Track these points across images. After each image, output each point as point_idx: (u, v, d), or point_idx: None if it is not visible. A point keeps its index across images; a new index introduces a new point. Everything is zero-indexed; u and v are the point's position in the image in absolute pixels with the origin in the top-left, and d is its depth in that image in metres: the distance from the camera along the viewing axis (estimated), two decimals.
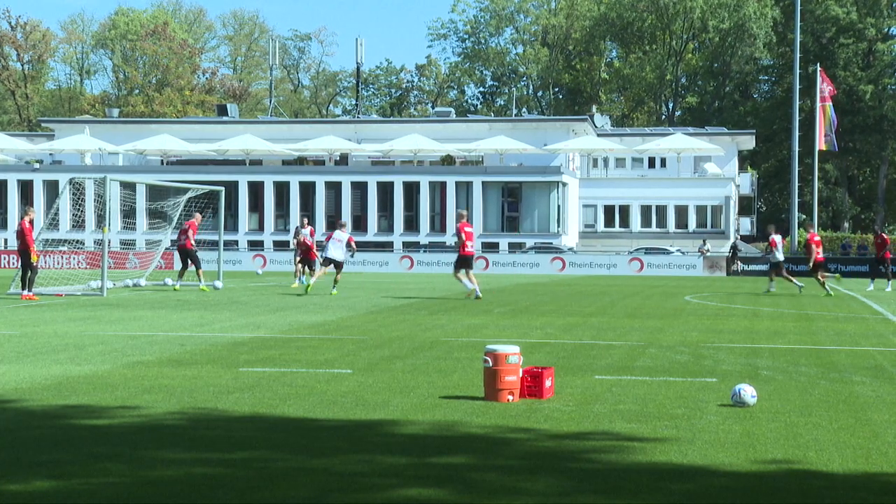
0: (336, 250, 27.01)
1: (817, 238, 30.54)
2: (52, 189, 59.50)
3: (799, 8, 57.04)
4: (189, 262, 29.26)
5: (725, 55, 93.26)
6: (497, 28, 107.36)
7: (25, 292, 24.13)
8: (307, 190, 60.04)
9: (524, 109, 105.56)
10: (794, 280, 30.65)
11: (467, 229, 25.88)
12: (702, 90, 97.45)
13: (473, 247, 26.69)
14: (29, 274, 24.30)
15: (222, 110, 75.65)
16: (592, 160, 69.33)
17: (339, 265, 27.26)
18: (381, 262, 49.60)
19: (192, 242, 29.36)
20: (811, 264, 30.10)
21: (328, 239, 27.69)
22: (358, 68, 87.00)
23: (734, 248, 52.64)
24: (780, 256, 30.69)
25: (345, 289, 29.35)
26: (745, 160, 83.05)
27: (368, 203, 59.43)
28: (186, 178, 50.60)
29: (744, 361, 12.93)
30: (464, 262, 25.85)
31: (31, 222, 24.68)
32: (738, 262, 49.77)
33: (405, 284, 34.17)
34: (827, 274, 31.37)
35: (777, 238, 30.63)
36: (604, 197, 64.84)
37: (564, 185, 59.51)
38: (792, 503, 6.29)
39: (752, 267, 49.05)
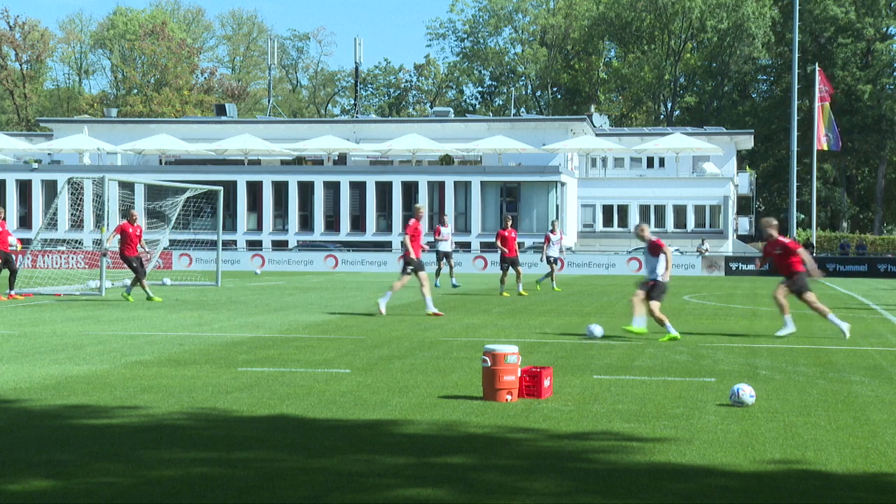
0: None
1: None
2: (50, 189, 59.45)
3: (797, 8, 57.06)
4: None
5: (724, 55, 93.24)
6: (495, 28, 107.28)
7: (10, 292, 23.91)
8: (306, 190, 60.01)
9: (523, 109, 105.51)
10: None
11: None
12: (700, 90, 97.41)
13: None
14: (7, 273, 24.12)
15: (221, 110, 75.57)
16: (591, 160, 69.30)
17: (448, 256, 29.50)
18: (380, 261, 49.57)
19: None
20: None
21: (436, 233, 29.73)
22: (356, 68, 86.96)
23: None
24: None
25: (344, 289, 29.38)
26: (744, 160, 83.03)
27: (367, 203, 59.41)
28: (185, 178, 50.57)
29: (742, 361, 12.93)
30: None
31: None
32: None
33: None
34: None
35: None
36: (602, 197, 64.81)
37: (563, 184, 59.50)
38: (790, 503, 6.29)
39: (750, 267, 49.05)
